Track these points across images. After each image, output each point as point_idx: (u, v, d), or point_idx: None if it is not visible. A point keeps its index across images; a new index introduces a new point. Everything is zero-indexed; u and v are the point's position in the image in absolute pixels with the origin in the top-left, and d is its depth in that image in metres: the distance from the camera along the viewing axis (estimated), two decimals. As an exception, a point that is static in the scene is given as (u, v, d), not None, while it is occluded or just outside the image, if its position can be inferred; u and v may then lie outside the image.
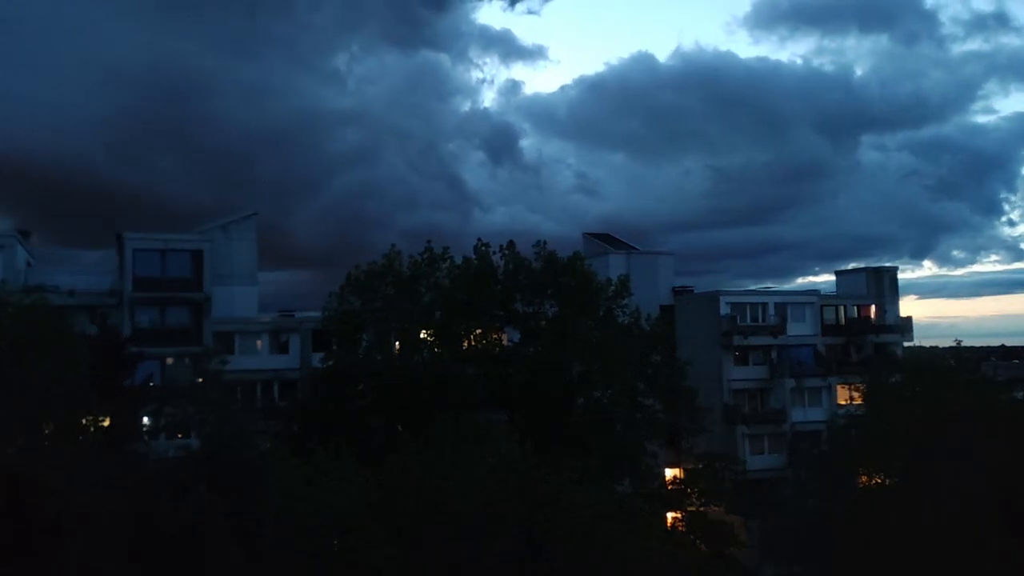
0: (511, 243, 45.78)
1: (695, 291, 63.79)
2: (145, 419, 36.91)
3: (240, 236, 53.38)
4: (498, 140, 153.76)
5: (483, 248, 45.25)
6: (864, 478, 30.78)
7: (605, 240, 65.27)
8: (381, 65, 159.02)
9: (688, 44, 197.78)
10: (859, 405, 42.84)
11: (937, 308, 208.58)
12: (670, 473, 51.62)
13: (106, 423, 27.08)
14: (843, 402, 58.04)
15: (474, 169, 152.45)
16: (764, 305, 60.52)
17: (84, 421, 25.45)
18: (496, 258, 45.19)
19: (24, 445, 22.13)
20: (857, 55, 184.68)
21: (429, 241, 45.46)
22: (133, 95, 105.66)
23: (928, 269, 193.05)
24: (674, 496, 45.19)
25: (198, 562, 21.51)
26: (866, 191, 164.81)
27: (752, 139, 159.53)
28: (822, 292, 65.73)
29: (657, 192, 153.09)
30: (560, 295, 44.63)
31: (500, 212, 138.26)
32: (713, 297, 60.03)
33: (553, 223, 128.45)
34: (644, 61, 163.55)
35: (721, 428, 54.90)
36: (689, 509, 44.57)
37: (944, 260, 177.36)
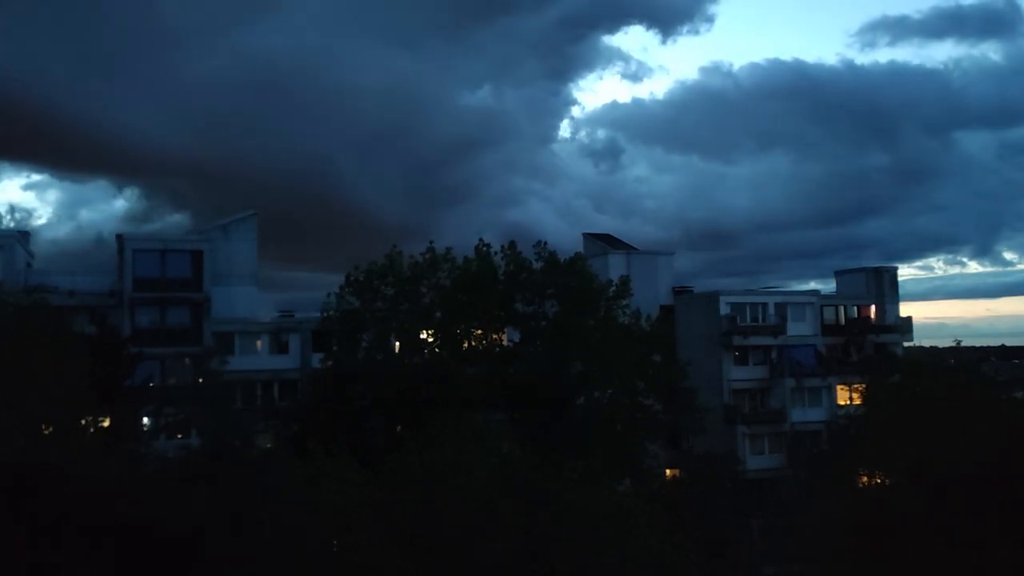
0: (512, 243, 45.81)
1: (694, 291, 63.85)
2: (145, 419, 36.95)
3: (240, 236, 53.38)
4: (605, 149, 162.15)
5: (484, 249, 45.25)
6: (864, 478, 30.77)
7: (605, 240, 65.21)
8: (514, 84, 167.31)
9: (783, 53, 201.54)
10: (859, 405, 42.86)
11: (950, 309, 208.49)
12: (670, 473, 51.57)
13: (106, 423, 27.09)
14: (843, 402, 58.14)
15: (582, 177, 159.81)
16: (764, 305, 60.57)
17: (84, 421, 25.44)
18: (498, 258, 45.20)
19: (24, 445, 22.12)
20: (951, 60, 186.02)
21: (431, 241, 45.56)
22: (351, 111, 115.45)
23: (972, 268, 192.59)
24: (674, 496, 45.08)
25: (199, 562, 21.50)
26: (951, 192, 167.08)
27: (846, 143, 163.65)
28: (822, 292, 65.86)
29: (747, 195, 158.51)
30: (560, 295, 44.63)
31: (602, 218, 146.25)
32: (713, 297, 60.03)
33: (652, 227, 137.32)
34: (741, 71, 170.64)
35: (721, 428, 54.89)
36: (689, 509, 44.45)
37: (996, 260, 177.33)
